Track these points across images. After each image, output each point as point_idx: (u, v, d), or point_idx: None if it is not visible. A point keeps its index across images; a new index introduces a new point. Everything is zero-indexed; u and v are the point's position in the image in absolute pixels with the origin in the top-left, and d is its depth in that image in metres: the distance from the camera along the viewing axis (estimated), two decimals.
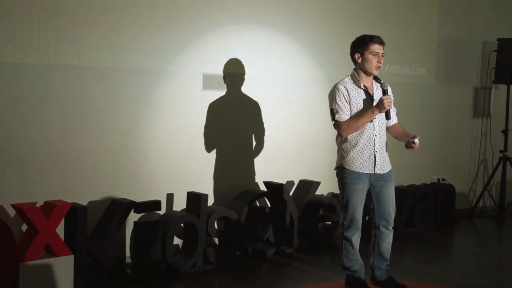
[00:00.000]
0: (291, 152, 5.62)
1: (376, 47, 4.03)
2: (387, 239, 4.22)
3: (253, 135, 5.39)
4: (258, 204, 5.24)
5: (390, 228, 4.22)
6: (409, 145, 4.03)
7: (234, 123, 5.26)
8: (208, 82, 5.06)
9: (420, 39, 6.66)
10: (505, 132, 7.06)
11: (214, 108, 5.11)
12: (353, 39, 4.21)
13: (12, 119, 4.15)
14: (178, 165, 4.95)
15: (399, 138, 4.23)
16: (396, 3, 6.40)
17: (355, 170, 4.04)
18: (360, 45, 4.07)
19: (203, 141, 5.06)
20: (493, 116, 7.39)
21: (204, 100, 5.06)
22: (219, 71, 5.13)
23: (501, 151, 7.07)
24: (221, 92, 5.15)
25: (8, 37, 4.08)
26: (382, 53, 4.07)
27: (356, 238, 4.13)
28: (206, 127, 5.07)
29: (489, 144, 7.32)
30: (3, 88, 4.10)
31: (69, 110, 4.38)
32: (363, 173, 4.05)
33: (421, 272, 4.83)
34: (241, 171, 5.31)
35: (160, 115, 4.83)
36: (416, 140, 4.01)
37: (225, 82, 5.15)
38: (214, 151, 5.15)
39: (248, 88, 5.28)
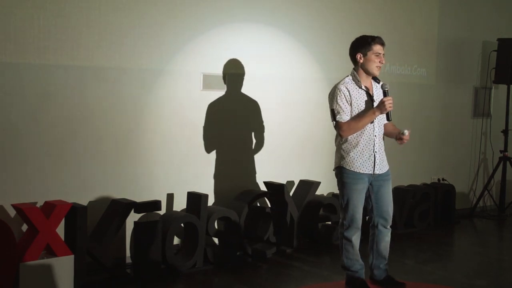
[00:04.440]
0: (291, 152, 5.62)
1: (378, 48, 4.05)
2: (386, 237, 4.23)
3: (253, 135, 5.39)
4: (258, 204, 5.24)
5: (388, 227, 4.23)
6: (399, 137, 4.06)
7: (234, 123, 5.26)
8: (208, 82, 5.06)
9: (420, 39, 6.66)
10: (505, 132, 7.05)
11: (214, 108, 5.11)
12: (354, 39, 4.21)
13: (12, 119, 4.14)
14: (178, 165, 4.95)
15: (389, 134, 4.23)
16: (396, 3, 6.40)
17: (355, 170, 4.04)
18: (363, 46, 4.08)
19: (203, 141, 5.06)
20: (493, 116, 7.39)
21: (204, 100, 5.06)
22: (219, 71, 5.12)
23: (501, 151, 7.07)
24: (221, 92, 5.15)
25: (8, 37, 4.08)
26: (383, 53, 4.09)
27: (356, 238, 4.14)
28: (205, 127, 5.07)
29: (489, 144, 7.32)
30: (3, 88, 4.10)
31: (69, 110, 4.38)
32: (363, 173, 4.06)
33: (421, 272, 4.83)
34: (241, 171, 5.31)
35: (160, 115, 4.83)
36: (406, 131, 4.03)
37: (225, 82, 5.15)
38: (214, 151, 5.15)
39: (247, 88, 5.28)
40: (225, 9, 5.12)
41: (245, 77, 5.25)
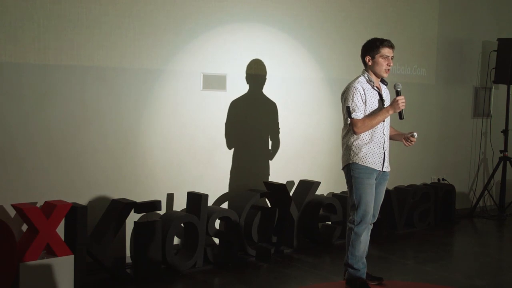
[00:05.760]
0: (291, 152, 5.62)
1: (386, 51, 4.17)
2: (369, 232, 4.31)
3: (257, 136, 5.39)
4: (258, 204, 5.23)
5: (373, 223, 4.33)
6: (407, 138, 4.23)
7: (235, 124, 5.26)
8: (208, 82, 5.06)
9: (420, 39, 6.66)
10: (505, 132, 7.05)
11: (217, 109, 5.12)
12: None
13: (12, 119, 4.15)
14: (178, 165, 4.95)
15: (392, 137, 4.36)
16: (396, 3, 6.40)
17: (367, 165, 4.13)
18: (371, 49, 4.19)
19: (203, 141, 5.06)
20: (493, 116, 7.39)
21: (204, 100, 5.06)
22: (219, 71, 5.13)
23: (501, 151, 7.07)
24: (222, 92, 5.15)
25: (8, 37, 4.08)
26: (392, 56, 4.20)
27: (365, 235, 4.21)
28: (207, 127, 5.07)
29: (489, 144, 7.32)
30: (3, 88, 4.10)
31: (69, 110, 4.38)
32: (374, 168, 4.15)
33: (421, 272, 4.83)
34: (241, 171, 5.31)
35: (160, 115, 4.83)
36: (415, 134, 4.21)
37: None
38: (216, 151, 5.14)
39: (247, 88, 5.28)
40: (225, 9, 5.11)
41: (245, 78, 5.25)
